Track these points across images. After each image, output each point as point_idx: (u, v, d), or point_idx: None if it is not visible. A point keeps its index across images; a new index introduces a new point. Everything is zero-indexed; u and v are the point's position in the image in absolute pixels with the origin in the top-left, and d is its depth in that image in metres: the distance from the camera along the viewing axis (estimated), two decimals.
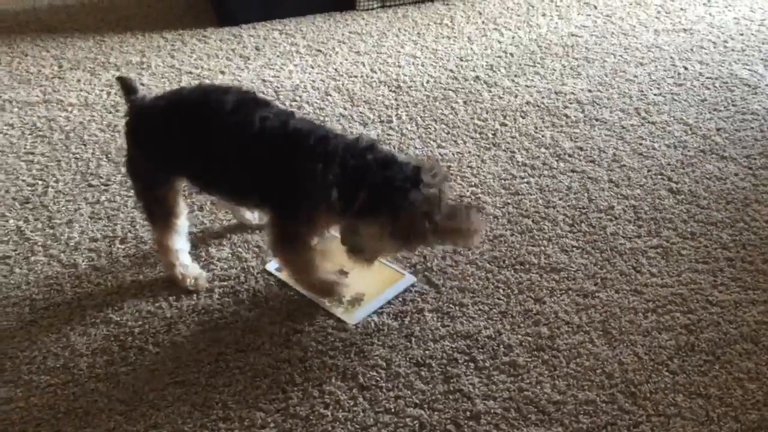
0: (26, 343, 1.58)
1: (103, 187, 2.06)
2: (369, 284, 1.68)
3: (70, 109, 2.46)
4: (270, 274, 1.74)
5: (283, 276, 1.72)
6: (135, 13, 3.18)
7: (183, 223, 1.69)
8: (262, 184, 1.51)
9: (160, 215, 1.65)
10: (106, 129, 2.33)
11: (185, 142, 1.53)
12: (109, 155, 2.19)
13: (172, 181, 1.63)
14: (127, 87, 1.64)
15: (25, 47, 2.89)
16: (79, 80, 2.64)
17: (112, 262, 1.79)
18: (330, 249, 1.69)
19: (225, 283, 1.72)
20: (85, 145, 2.26)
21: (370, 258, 1.56)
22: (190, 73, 2.67)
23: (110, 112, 2.42)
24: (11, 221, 1.94)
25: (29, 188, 2.06)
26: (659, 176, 2.06)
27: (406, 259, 1.77)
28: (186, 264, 1.71)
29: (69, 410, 1.43)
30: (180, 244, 1.70)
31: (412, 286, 1.70)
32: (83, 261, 1.80)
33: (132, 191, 1.94)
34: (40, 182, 2.09)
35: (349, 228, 1.51)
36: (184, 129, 1.53)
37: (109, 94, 2.53)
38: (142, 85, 2.55)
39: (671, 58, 2.70)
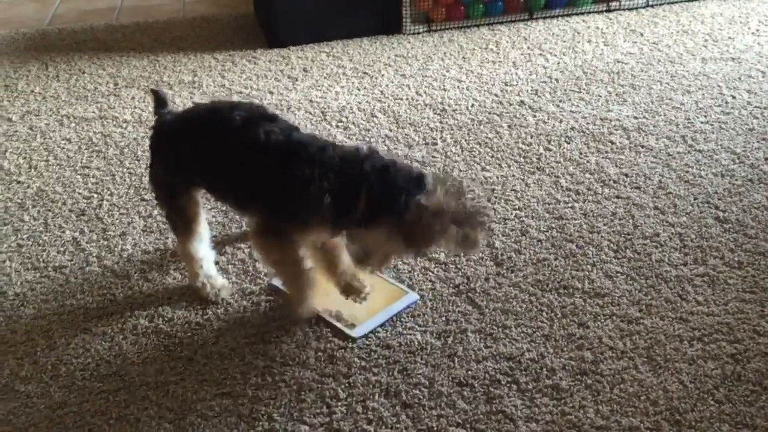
0: (81, 350, 1.63)
1: (155, 202, 2.11)
2: (373, 300, 1.71)
3: (124, 125, 2.54)
4: (274, 289, 1.77)
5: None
6: (188, 35, 3.28)
7: (204, 231, 1.75)
8: (263, 192, 1.55)
9: (182, 224, 1.72)
10: None
11: (198, 155, 1.61)
12: None
13: (190, 191, 1.70)
14: (158, 100, 1.75)
15: (83, 65, 3.00)
16: (133, 98, 2.73)
17: (163, 275, 1.84)
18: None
19: (272, 298, 1.76)
20: (138, 160, 2.33)
21: (378, 265, 1.58)
22: (240, 92, 2.74)
23: None
24: (68, 232, 2.01)
25: (85, 201, 2.14)
26: (706, 204, 2.05)
27: (449, 278, 1.79)
28: (210, 274, 1.76)
29: (120, 416, 1.47)
30: (203, 252, 1.75)
31: (414, 303, 1.72)
32: (135, 272, 1.85)
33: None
34: (95, 195, 2.16)
35: (353, 236, 1.54)
36: (197, 143, 1.61)
37: None
38: (193, 103, 2.62)
39: (719, 86, 2.69)
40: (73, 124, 2.56)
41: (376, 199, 1.46)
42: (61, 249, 1.94)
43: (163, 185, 1.72)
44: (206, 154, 1.60)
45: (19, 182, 2.24)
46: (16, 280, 1.84)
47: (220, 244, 1.92)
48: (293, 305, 1.66)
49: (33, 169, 2.30)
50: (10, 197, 2.16)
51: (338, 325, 1.66)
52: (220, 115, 1.60)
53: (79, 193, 2.17)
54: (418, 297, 1.74)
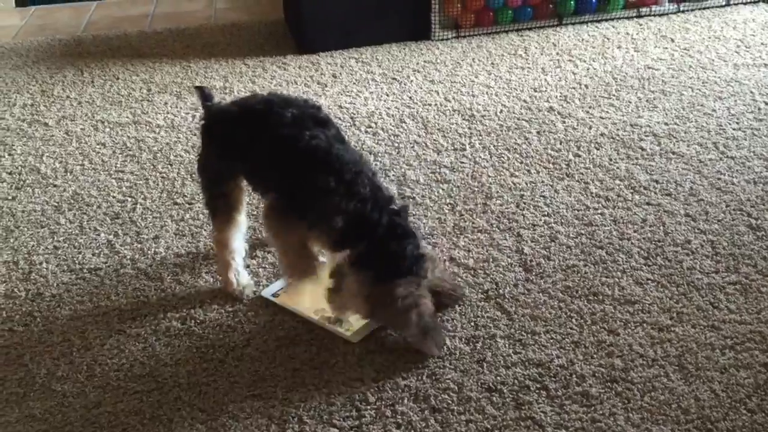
0: (115, 351, 1.66)
1: (187, 206, 2.15)
2: None
3: (157, 130, 2.58)
4: (267, 300, 1.78)
5: (280, 302, 1.77)
6: (219, 41, 3.32)
7: (243, 221, 1.78)
8: (295, 191, 1.60)
9: (223, 209, 1.75)
10: (191, 150, 2.44)
11: (245, 143, 1.66)
12: (194, 175, 2.29)
13: (236, 177, 1.74)
14: (204, 95, 1.82)
15: (117, 71, 3.05)
16: (166, 103, 2.77)
17: (195, 278, 1.87)
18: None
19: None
20: (171, 164, 2.37)
21: (340, 307, 1.61)
22: None
23: (195, 134, 2.53)
24: (102, 235, 2.05)
25: (119, 204, 2.18)
26: (738, 212, 2.03)
27: (478, 284, 1.80)
28: (239, 270, 1.79)
29: (154, 416, 1.50)
30: (237, 243, 1.77)
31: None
32: (168, 275, 1.88)
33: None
34: (129, 199, 2.20)
35: (339, 267, 1.58)
36: (246, 132, 1.66)
37: (193, 117, 2.65)
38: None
39: (751, 92, 2.66)
40: (107, 129, 2.61)
41: (372, 252, 1.52)
42: (96, 251, 1.98)
43: (211, 172, 1.76)
44: (252, 144, 1.65)
45: (55, 186, 2.28)
46: (53, 281, 1.88)
47: (251, 247, 1.94)
48: (289, 280, 1.69)
49: (69, 173, 2.35)
50: (46, 200, 2.21)
51: (337, 330, 1.67)
52: (273, 108, 1.65)
53: (114, 197, 2.21)
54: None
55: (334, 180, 1.54)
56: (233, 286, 1.78)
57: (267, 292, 1.80)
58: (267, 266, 1.90)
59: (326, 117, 1.67)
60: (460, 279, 1.82)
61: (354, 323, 1.67)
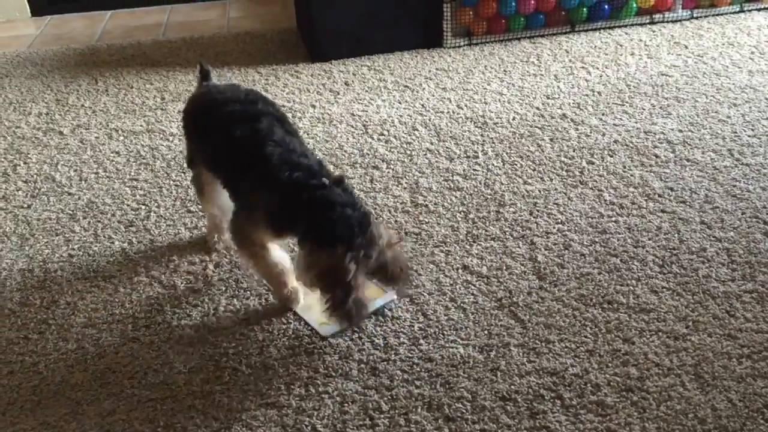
0: (129, 359, 1.67)
1: (200, 214, 2.15)
2: None
3: (171, 138, 2.60)
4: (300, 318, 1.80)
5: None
6: (232, 49, 3.34)
7: (213, 198, 1.92)
8: (232, 184, 1.73)
9: (199, 186, 1.95)
10: None
11: (194, 135, 1.86)
12: None
13: (200, 159, 1.87)
14: (203, 73, 1.96)
15: (131, 80, 3.07)
16: (179, 111, 2.77)
17: (208, 285, 1.87)
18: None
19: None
20: (184, 173, 2.37)
21: (304, 283, 1.65)
22: (283, 106, 2.77)
23: None
24: (116, 243, 2.06)
25: (133, 212, 2.19)
26: (754, 219, 2.01)
27: (492, 292, 1.79)
28: (222, 229, 1.94)
29: (168, 425, 1.50)
30: (215, 210, 1.94)
31: (393, 302, 1.76)
32: (182, 283, 1.89)
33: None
34: (143, 207, 2.21)
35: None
36: (195, 125, 1.84)
37: None
38: None
39: (766, 99, 2.64)
40: (121, 138, 2.62)
41: (307, 229, 1.55)
42: (111, 259, 1.99)
43: (188, 153, 1.95)
44: (197, 136, 1.84)
45: (70, 194, 2.30)
46: (68, 289, 1.89)
47: None
48: (277, 294, 1.79)
49: (83, 181, 2.36)
50: (61, 208, 2.23)
51: (311, 322, 1.71)
52: (213, 104, 1.78)
53: (128, 205, 2.23)
54: (395, 297, 1.76)
55: (260, 175, 1.62)
56: (210, 240, 1.99)
57: (301, 310, 1.80)
58: None
59: (260, 111, 1.72)
60: (473, 287, 1.82)
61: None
